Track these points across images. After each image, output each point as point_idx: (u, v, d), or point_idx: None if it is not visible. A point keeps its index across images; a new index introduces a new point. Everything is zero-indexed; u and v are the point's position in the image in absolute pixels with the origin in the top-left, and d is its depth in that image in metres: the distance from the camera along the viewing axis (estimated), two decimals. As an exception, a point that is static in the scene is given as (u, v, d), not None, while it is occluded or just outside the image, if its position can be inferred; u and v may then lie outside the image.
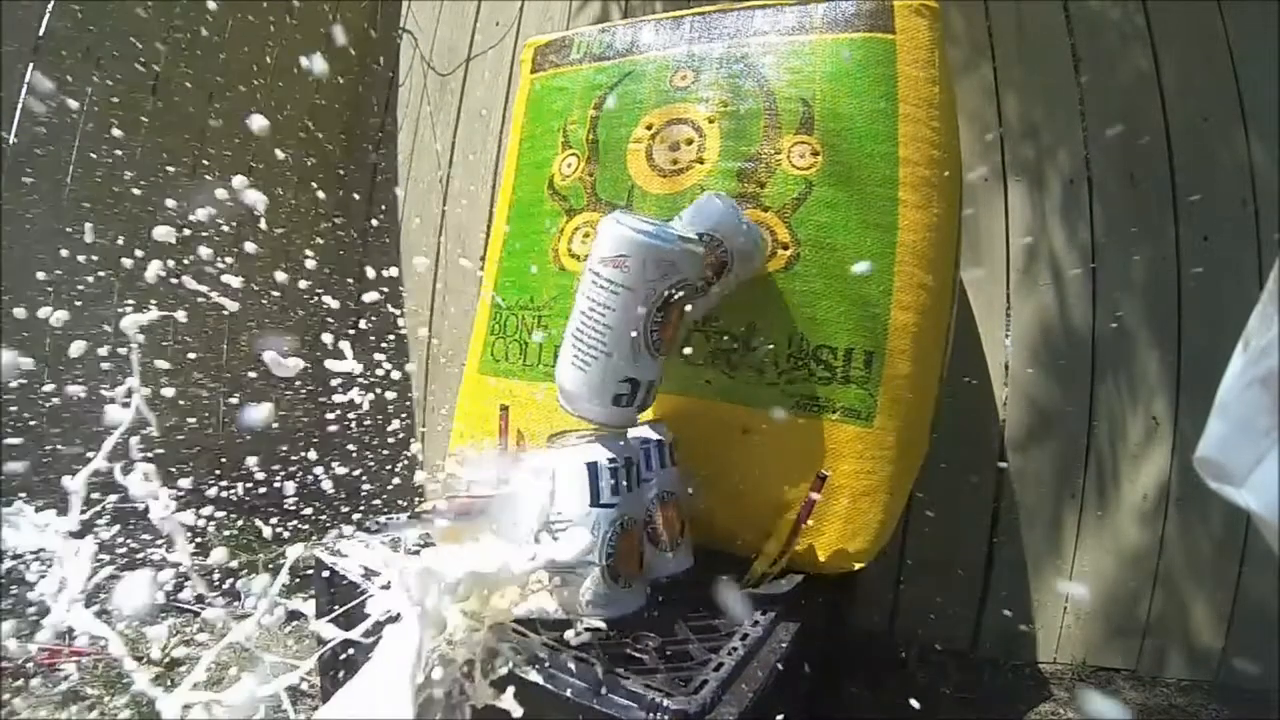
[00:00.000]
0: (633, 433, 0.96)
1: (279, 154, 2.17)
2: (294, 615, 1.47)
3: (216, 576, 1.64)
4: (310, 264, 2.27)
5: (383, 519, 0.75)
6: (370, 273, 2.28)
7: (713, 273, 1.02)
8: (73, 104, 1.73)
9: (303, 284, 2.25)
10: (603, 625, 0.80)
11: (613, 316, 0.88)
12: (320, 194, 2.28)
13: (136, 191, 1.86)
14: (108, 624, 0.76)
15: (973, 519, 1.54)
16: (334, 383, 2.21)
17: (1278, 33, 1.36)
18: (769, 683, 0.79)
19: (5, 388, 1.61)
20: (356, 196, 2.32)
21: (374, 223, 2.30)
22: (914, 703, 1.35)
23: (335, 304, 2.31)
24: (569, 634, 0.80)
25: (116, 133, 1.81)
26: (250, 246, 2.11)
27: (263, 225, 2.12)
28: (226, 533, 1.76)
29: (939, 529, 1.53)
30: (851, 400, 1.04)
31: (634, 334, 0.89)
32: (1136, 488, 1.45)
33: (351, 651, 0.89)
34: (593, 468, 0.86)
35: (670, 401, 1.09)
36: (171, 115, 1.92)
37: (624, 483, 0.88)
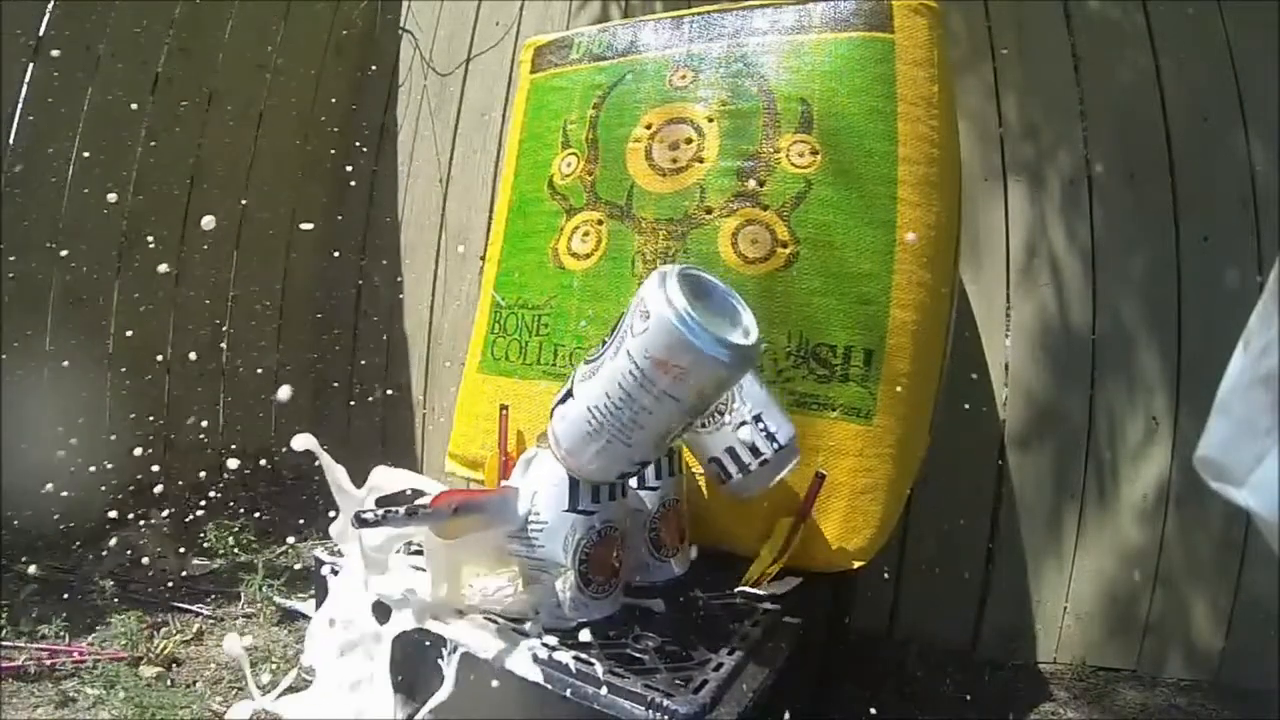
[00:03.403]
0: None
1: (278, 154, 2.17)
2: (293, 614, 1.48)
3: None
4: (310, 264, 2.28)
5: (380, 513, 0.74)
6: (370, 273, 2.28)
7: None
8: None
9: (303, 284, 2.25)
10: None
11: (649, 419, 0.76)
12: (320, 194, 2.28)
13: (135, 192, 1.87)
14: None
15: (973, 519, 1.54)
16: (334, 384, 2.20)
17: (1278, 33, 1.36)
18: (769, 683, 0.79)
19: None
20: (357, 196, 2.32)
21: (374, 222, 2.30)
22: (914, 703, 1.35)
23: (335, 304, 2.31)
24: (530, 626, 0.82)
25: (116, 132, 1.81)
26: (250, 247, 2.12)
27: (262, 225, 2.12)
28: (227, 534, 1.76)
29: (939, 529, 1.53)
30: (851, 398, 1.04)
31: (665, 437, 0.81)
32: (1136, 488, 1.45)
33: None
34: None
35: (670, 401, 1.08)
36: (171, 115, 1.92)
37: (606, 490, 0.86)
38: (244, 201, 2.10)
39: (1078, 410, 1.50)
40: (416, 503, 0.78)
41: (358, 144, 2.32)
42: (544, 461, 0.87)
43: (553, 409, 0.85)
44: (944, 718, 1.31)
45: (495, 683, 0.77)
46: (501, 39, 2.09)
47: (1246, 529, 1.36)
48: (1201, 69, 1.44)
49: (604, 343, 0.79)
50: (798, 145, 1.11)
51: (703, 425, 0.94)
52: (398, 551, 0.88)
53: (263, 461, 2.19)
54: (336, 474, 0.89)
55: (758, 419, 0.93)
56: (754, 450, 0.93)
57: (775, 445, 0.93)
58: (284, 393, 0.93)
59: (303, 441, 0.85)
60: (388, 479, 0.92)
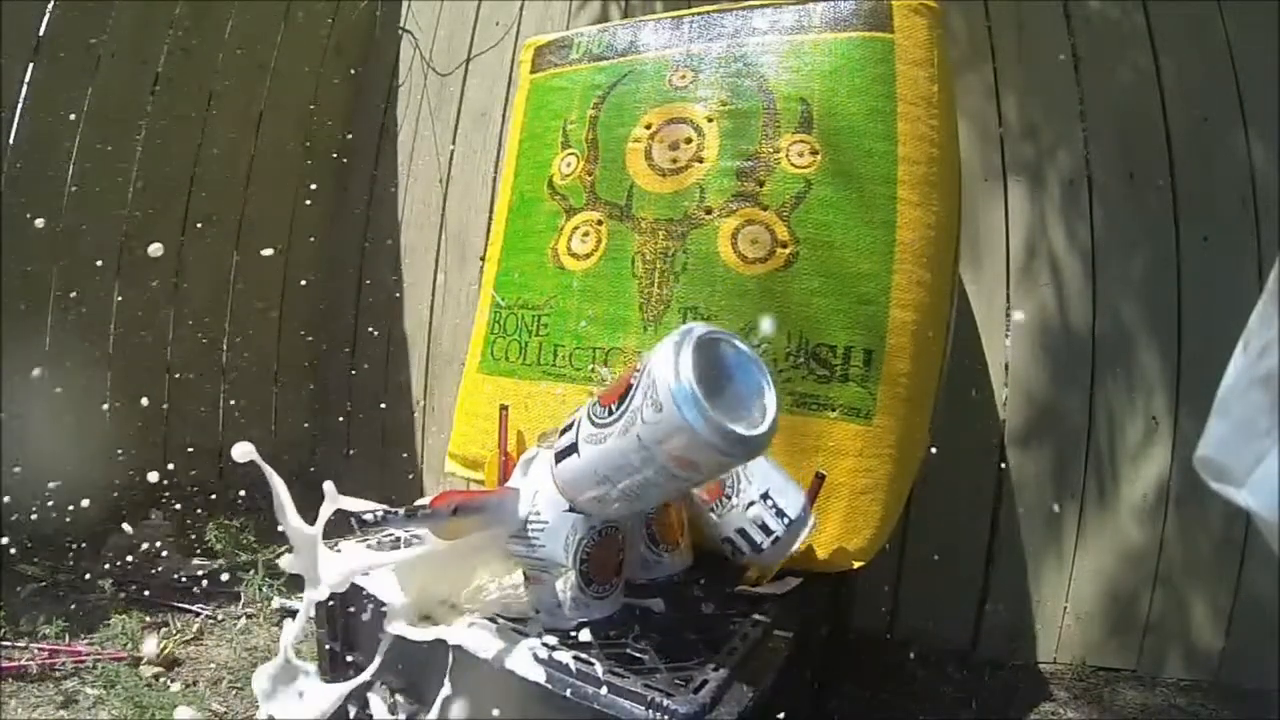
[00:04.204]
0: None
1: (278, 154, 2.17)
2: (292, 614, 1.48)
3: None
4: (310, 264, 2.28)
5: (380, 513, 0.74)
6: (370, 273, 2.28)
7: None
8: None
9: (303, 284, 2.25)
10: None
11: (655, 491, 0.78)
12: (320, 194, 2.28)
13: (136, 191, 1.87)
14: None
15: (973, 519, 1.54)
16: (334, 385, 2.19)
17: (1278, 33, 1.36)
18: (768, 683, 0.79)
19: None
20: (356, 196, 2.32)
21: (374, 223, 2.30)
22: (914, 703, 1.35)
23: (336, 305, 2.31)
24: (531, 626, 0.81)
25: (116, 132, 1.81)
26: (249, 246, 2.12)
27: (262, 225, 2.12)
28: (227, 534, 1.76)
29: (939, 529, 1.53)
30: (851, 398, 1.04)
31: (670, 498, 0.86)
32: (1136, 488, 1.45)
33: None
34: None
35: (670, 401, 1.09)
36: (171, 115, 1.92)
37: None
38: (244, 201, 2.10)
39: (1078, 410, 1.49)
40: (416, 503, 0.78)
41: (358, 144, 2.32)
42: (544, 461, 0.87)
43: (556, 455, 0.83)
44: (944, 718, 1.31)
45: (495, 682, 0.77)
46: (501, 39, 2.09)
47: (1246, 529, 1.36)
48: (1201, 69, 1.44)
49: (611, 411, 0.76)
50: (797, 145, 1.11)
51: (712, 509, 0.95)
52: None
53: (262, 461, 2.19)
54: (281, 495, 0.79)
55: (765, 496, 0.94)
56: (765, 529, 0.94)
57: (785, 521, 0.93)
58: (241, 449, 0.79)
59: (243, 451, 0.77)
60: (340, 500, 0.84)
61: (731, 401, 0.73)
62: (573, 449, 0.80)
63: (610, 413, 0.76)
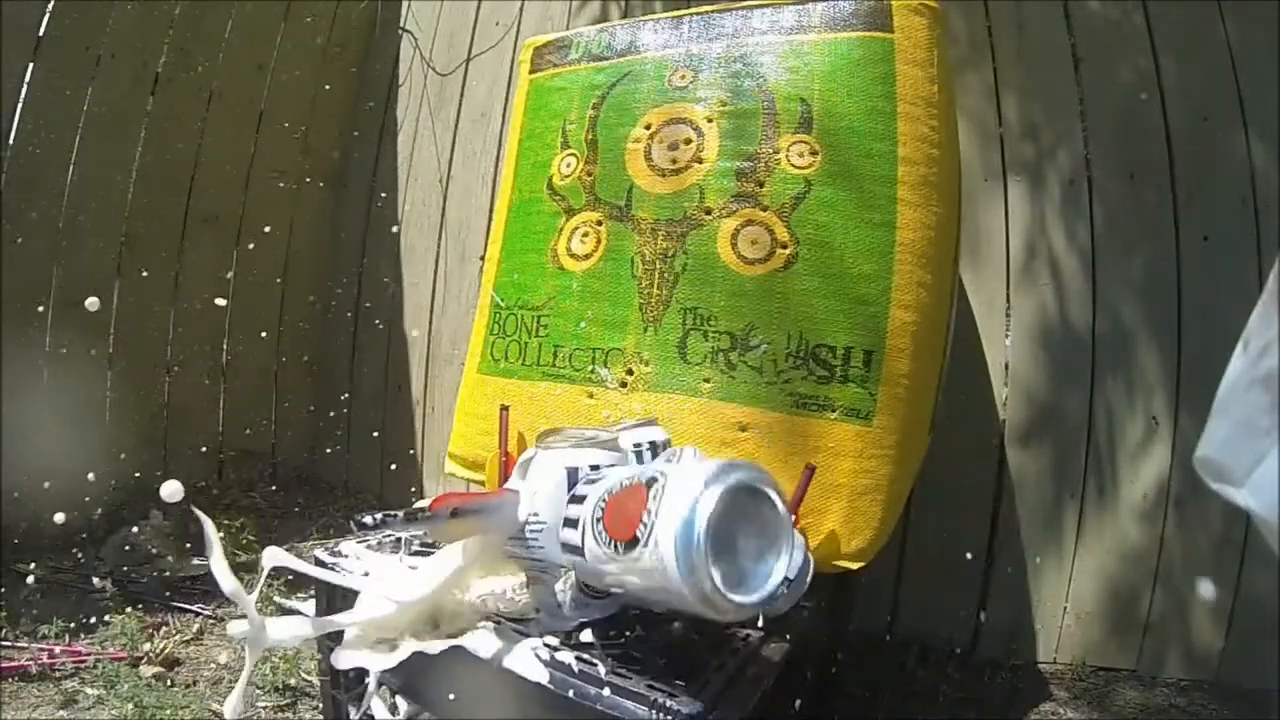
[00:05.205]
0: (626, 436, 0.95)
1: (278, 154, 2.17)
2: (294, 614, 1.47)
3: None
4: (310, 265, 2.28)
5: (379, 516, 0.74)
6: (370, 273, 2.29)
7: None
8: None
9: (302, 285, 2.25)
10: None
11: (656, 603, 0.79)
12: (321, 194, 2.28)
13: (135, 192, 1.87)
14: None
15: (973, 519, 1.54)
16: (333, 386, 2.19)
17: (1278, 33, 1.36)
18: (770, 683, 0.79)
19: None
20: (357, 196, 2.32)
21: (374, 222, 2.30)
22: (914, 703, 1.35)
23: (335, 305, 2.31)
24: (532, 626, 0.81)
25: (116, 132, 1.81)
26: (250, 246, 2.12)
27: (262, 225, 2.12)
28: (227, 534, 1.76)
29: (939, 529, 1.53)
30: (851, 399, 1.04)
31: None
32: (1136, 487, 1.45)
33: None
34: (572, 473, 0.84)
35: (669, 401, 1.09)
36: (171, 115, 1.92)
37: None
38: (244, 201, 2.10)
39: (1078, 410, 1.50)
40: (415, 506, 0.78)
41: (358, 144, 2.32)
42: (543, 462, 0.87)
43: (564, 545, 0.80)
44: (944, 718, 1.31)
45: (497, 684, 0.77)
46: (501, 39, 2.09)
47: (1246, 529, 1.36)
48: (1201, 69, 1.44)
49: (617, 550, 0.72)
50: (797, 145, 1.11)
51: None
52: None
53: (263, 461, 2.19)
54: (215, 549, 0.75)
55: None
56: None
57: (786, 583, 0.93)
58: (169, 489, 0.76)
59: (171, 490, 0.75)
60: (281, 558, 0.82)
61: (741, 556, 0.70)
62: (579, 551, 0.77)
63: (617, 551, 0.72)
